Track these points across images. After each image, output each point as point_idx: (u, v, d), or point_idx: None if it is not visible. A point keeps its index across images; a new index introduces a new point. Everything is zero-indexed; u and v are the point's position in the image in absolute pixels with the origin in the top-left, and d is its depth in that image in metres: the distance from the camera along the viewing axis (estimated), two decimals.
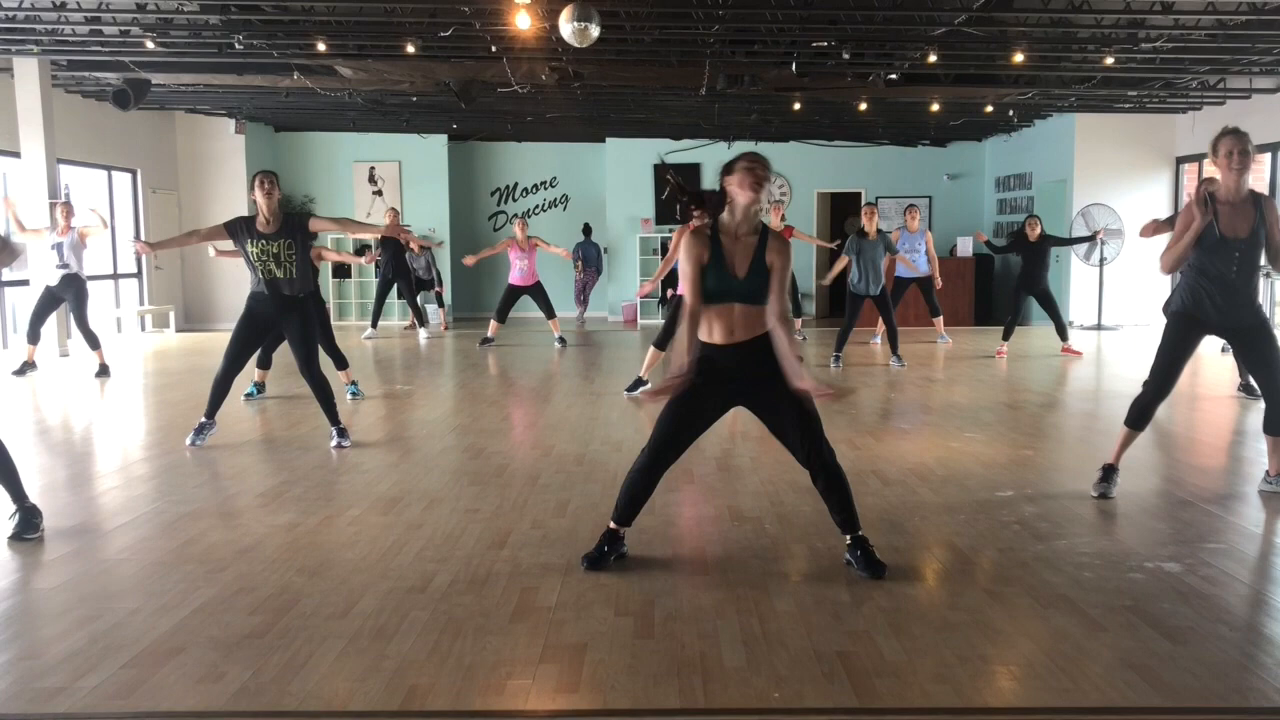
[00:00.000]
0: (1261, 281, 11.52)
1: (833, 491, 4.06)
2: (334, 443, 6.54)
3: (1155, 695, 2.99)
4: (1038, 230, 11.10)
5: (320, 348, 8.47)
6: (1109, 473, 5.29)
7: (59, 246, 10.03)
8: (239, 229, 6.42)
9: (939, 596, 3.85)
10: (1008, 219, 16.83)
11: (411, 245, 8.02)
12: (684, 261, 4.01)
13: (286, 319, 6.48)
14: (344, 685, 3.07)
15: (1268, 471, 5.28)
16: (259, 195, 6.40)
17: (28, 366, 10.05)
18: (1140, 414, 5.22)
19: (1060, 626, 3.50)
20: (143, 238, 14.56)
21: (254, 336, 6.60)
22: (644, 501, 4.18)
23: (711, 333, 3.99)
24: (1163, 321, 5.37)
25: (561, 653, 3.29)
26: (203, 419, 6.64)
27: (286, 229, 6.40)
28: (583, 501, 5.16)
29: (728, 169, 4.00)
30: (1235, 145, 4.85)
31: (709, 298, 3.96)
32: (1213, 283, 4.96)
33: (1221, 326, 5.08)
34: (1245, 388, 8.37)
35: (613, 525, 4.20)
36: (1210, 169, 5.07)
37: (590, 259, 16.72)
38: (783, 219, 13.06)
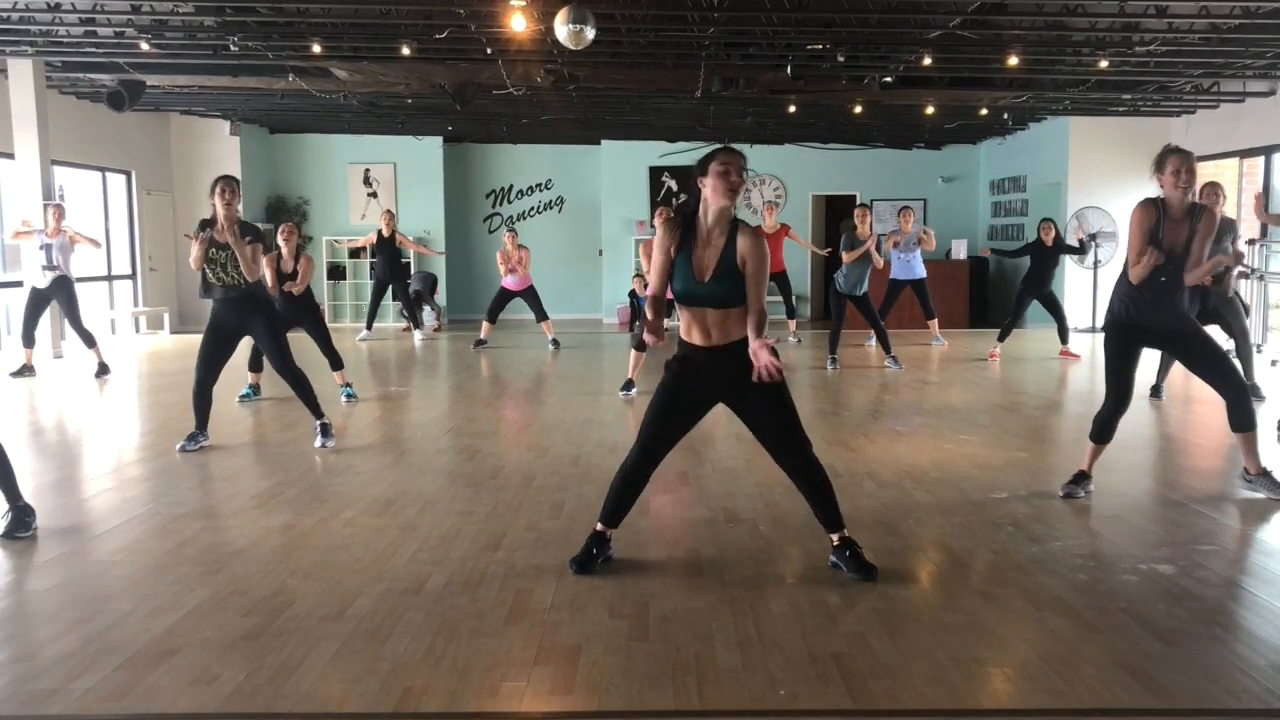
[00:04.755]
0: (1258, 284, 11.62)
1: (814, 490, 4.07)
2: (318, 443, 6.51)
3: (1149, 696, 3.00)
4: (1053, 234, 11.15)
5: (320, 349, 8.49)
6: (1080, 478, 5.35)
7: (48, 248, 10.00)
8: (204, 227, 6.36)
9: (933, 598, 3.85)
10: (1002, 222, 16.87)
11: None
12: (655, 249, 4.01)
13: (250, 321, 6.46)
14: (338, 687, 3.06)
15: (1246, 470, 5.31)
16: (218, 201, 6.31)
17: (26, 370, 10.03)
18: (1103, 429, 5.29)
19: (1054, 628, 3.51)
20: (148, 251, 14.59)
21: (222, 343, 6.54)
22: (632, 503, 4.18)
23: (690, 333, 3.99)
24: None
25: (556, 654, 3.29)
26: (194, 430, 6.60)
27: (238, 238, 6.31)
28: (578, 503, 5.15)
29: (702, 166, 3.92)
30: (1183, 164, 4.95)
31: (678, 299, 3.96)
32: (1142, 289, 5.04)
33: (1154, 333, 5.15)
34: (1155, 390, 8.40)
35: (599, 528, 4.19)
36: (1154, 186, 5.17)
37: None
38: (776, 218, 13.11)
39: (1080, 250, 12.13)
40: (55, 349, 11.60)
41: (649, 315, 3.92)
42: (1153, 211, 5.03)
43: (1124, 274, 5.17)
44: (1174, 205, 5.02)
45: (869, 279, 10.67)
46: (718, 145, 4.02)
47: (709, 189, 3.89)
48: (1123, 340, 5.18)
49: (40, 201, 11.14)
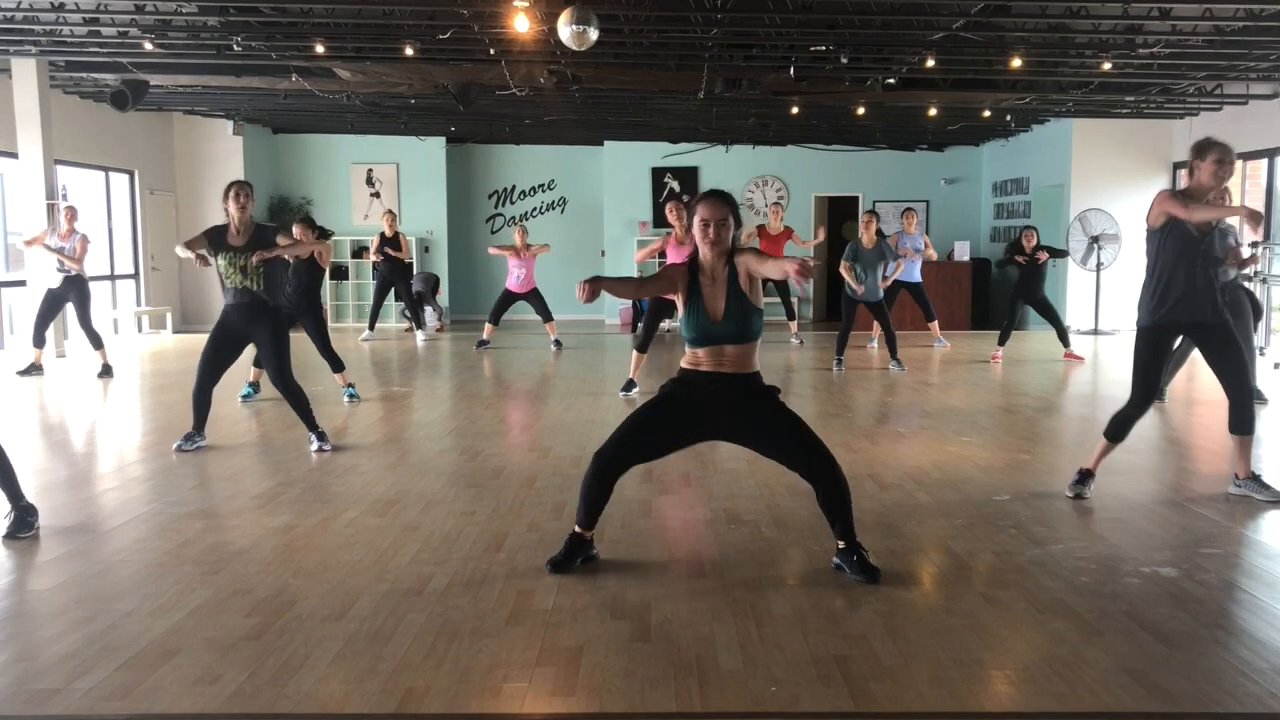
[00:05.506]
0: (1260, 287, 11.61)
1: (834, 501, 4.02)
2: (314, 446, 6.49)
3: (1151, 700, 2.99)
4: (1034, 241, 11.13)
5: (318, 351, 8.49)
6: (1085, 476, 5.35)
7: (61, 250, 10.03)
8: (214, 237, 6.37)
9: (935, 600, 3.85)
10: (1005, 224, 16.86)
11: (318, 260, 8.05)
12: (660, 275, 4.09)
13: (256, 329, 6.43)
14: (340, 687, 3.06)
15: (1236, 474, 5.33)
16: (232, 207, 6.33)
17: (34, 369, 10.05)
18: (1120, 428, 5.29)
19: (1056, 631, 3.50)
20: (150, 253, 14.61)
21: (227, 347, 6.51)
22: (603, 506, 4.13)
23: (699, 362, 3.98)
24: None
25: (558, 656, 3.29)
26: (190, 431, 6.58)
27: (255, 241, 6.33)
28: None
29: (690, 212, 3.97)
30: (1225, 155, 4.96)
31: (694, 343, 3.97)
32: (1176, 279, 5.03)
33: (1187, 324, 5.15)
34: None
35: (576, 530, 4.17)
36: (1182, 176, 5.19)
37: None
38: (781, 220, 13.12)
39: (1059, 253, 11.96)
40: (59, 348, 11.62)
41: (608, 280, 4.00)
42: (1178, 197, 5.04)
43: (1150, 274, 5.15)
44: (1203, 194, 4.99)
45: (880, 280, 10.67)
46: (705, 191, 4.03)
47: (697, 237, 3.95)
48: (1154, 342, 5.17)
49: (44, 201, 11.16)
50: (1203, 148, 5.01)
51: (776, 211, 13.13)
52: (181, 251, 6.45)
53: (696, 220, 3.93)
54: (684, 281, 3.98)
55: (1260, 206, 12.54)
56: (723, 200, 3.95)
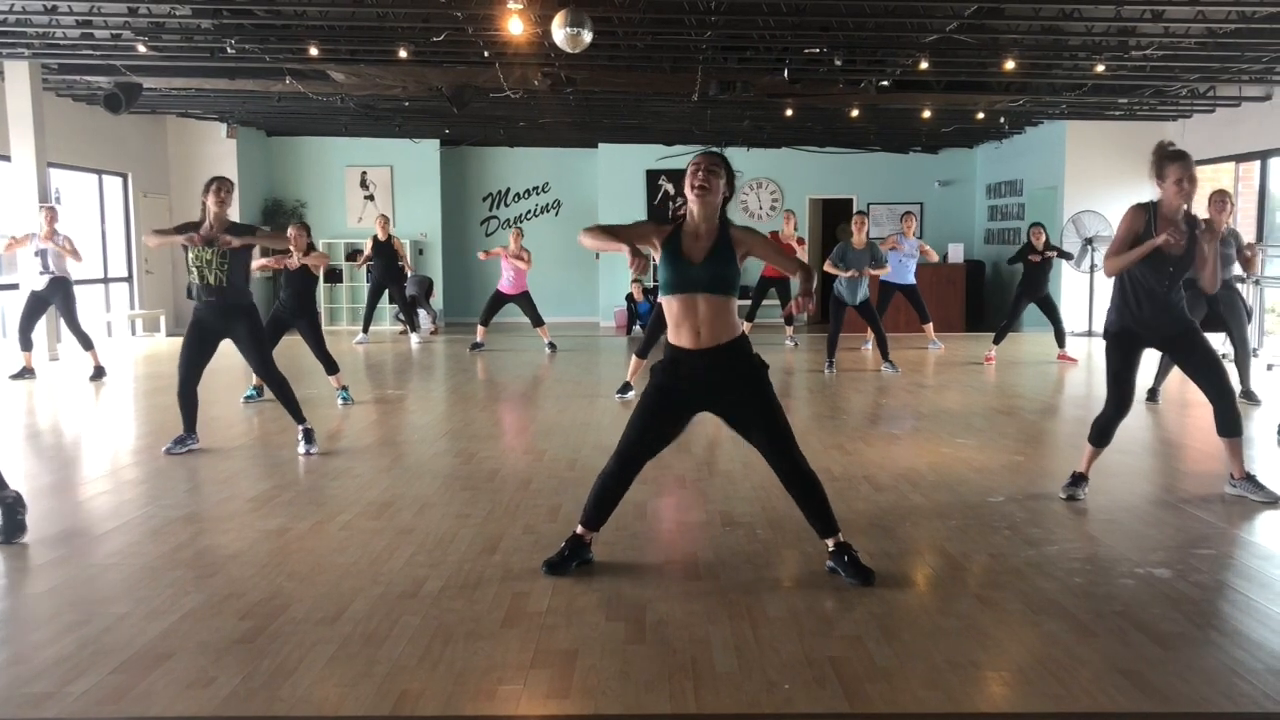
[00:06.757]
0: (1251, 288, 11.65)
1: (806, 497, 4.05)
2: (301, 449, 6.47)
3: (1145, 700, 3.00)
4: (1043, 238, 11.18)
5: (313, 354, 8.49)
6: (1078, 479, 5.37)
7: (44, 252, 10.01)
8: (188, 229, 6.32)
9: (930, 602, 3.85)
10: (999, 225, 16.89)
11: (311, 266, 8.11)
12: (639, 225, 4.06)
13: (232, 326, 6.40)
14: (334, 691, 3.06)
15: (1231, 475, 5.35)
16: (211, 201, 6.28)
17: (26, 372, 10.02)
18: (1101, 433, 5.31)
19: (1051, 632, 3.51)
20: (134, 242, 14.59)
21: (203, 345, 6.48)
22: (613, 507, 4.17)
23: (679, 335, 3.94)
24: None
25: (552, 658, 3.28)
26: (181, 434, 6.56)
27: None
28: (574, 506, 5.12)
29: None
30: (1184, 172, 4.92)
31: (670, 289, 3.92)
32: (1143, 295, 5.06)
33: (1155, 336, 5.17)
34: (1152, 393, 8.43)
35: (579, 530, 4.18)
36: (1151, 190, 5.14)
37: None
38: (795, 228, 12.96)
39: (1064, 255, 12.15)
40: (51, 351, 11.58)
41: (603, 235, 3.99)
42: (1143, 216, 5.03)
43: (1119, 282, 5.16)
44: (1170, 210, 5.01)
45: (867, 284, 10.70)
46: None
47: (686, 188, 3.95)
48: (1123, 348, 5.19)
49: (36, 204, 11.13)
50: (1159, 169, 4.98)
51: (790, 218, 12.95)
52: (153, 240, 6.37)
53: (690, 168, 3.93)
54: (663, 234, 3.97)
55: (1254, 208, 12.57)
56: (719, 156, 3.99)
